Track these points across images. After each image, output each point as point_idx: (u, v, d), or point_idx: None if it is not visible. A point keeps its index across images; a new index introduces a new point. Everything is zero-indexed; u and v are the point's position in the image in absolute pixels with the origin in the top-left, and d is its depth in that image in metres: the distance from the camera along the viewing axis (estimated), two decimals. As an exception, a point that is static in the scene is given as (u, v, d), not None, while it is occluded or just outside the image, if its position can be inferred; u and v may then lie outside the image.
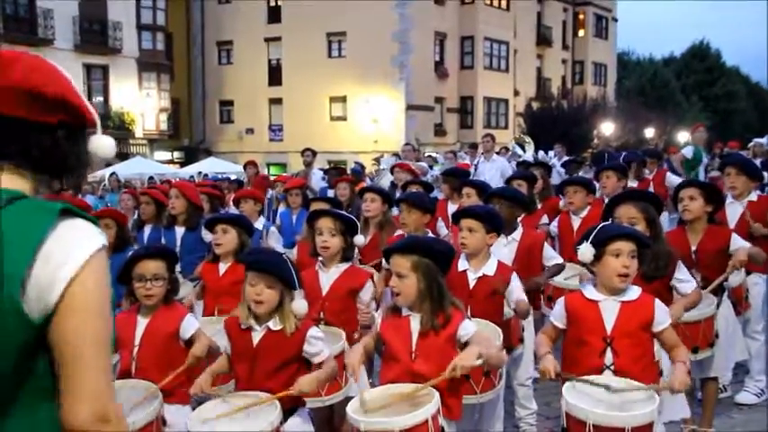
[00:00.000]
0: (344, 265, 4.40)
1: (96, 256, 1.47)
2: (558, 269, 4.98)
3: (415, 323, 3.23)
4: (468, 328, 3.19)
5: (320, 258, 4.46)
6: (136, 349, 3.59)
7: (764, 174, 6.93)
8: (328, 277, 4.35)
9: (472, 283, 4.13)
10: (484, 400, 3.81)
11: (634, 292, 3.31)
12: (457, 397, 3.24)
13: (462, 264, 4.20)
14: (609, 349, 3.23)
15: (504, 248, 4.86)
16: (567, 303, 3.44)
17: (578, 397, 2.98)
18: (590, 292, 3.36)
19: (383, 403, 2.99)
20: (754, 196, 5.44)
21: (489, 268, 4.18)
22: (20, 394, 1.47)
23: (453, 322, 3.18)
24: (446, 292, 3.26)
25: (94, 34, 32.10)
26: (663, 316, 3.30)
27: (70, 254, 1.44)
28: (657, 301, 3.33)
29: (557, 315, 3.47)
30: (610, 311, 3.27)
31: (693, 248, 4.66)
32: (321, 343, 3.33)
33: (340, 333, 4.09)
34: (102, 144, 1.69)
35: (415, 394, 3.00)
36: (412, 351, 3.19)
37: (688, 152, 11.46)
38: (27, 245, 1.42)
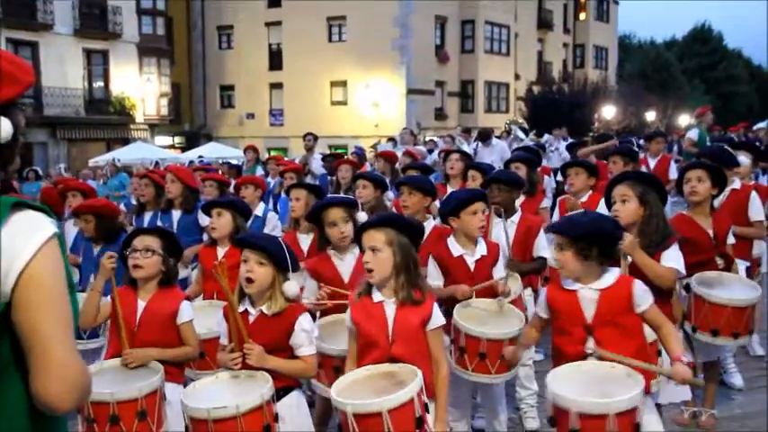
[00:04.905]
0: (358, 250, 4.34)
1: (48, 244, 1.58)
2: (540, 265, 4.98)
3: (390, 309, 3.21)
4: (438, 318, 3.23)
5: (331, 247, 4.33)
6: (136, 331, 3.62)
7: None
8: (346, 264, 4.25)
9: (472, 266, 4.15)
10: (497, 381, 3.84)
11: (612, 276, 3.22)
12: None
13: (456, 249, 4.19)
14: (591, 338, 3.17)
15: (503, 232, 4.86)
16: (547, 295, 3.40)
17: (562, 386, 2.94)
18: (567, 282, 3.28)
19: (366, 384, 3.01)
20: (737, 184, 5.44)
21: (483, 249, 4.21)
22: None
23: (428, 303, 3.21)
24: (420, 268, 3.28)
25: (94, 19, 31.85)
26: (643, 296, 3.19)
27: (23, 245, 1.55)
28: (636, 282, 3.23)
29: (540, 305, 3.45)
30: (588, 300, 3.19)
31: (711, 233, 4.50)
32: (305, 335, 3.28)
33: None
34: None
35: (396, 374, 3.03)
36: (389, 335, 3.19)
37: (693, 135, 11.46)
38: None
